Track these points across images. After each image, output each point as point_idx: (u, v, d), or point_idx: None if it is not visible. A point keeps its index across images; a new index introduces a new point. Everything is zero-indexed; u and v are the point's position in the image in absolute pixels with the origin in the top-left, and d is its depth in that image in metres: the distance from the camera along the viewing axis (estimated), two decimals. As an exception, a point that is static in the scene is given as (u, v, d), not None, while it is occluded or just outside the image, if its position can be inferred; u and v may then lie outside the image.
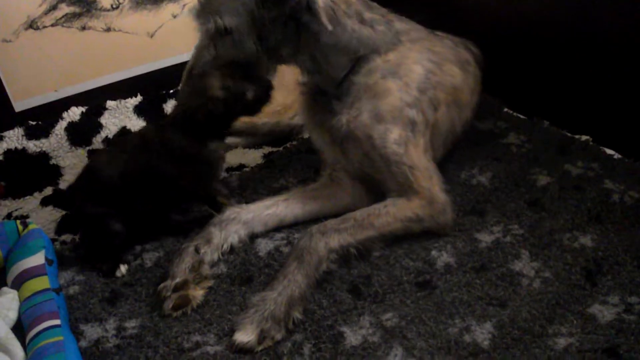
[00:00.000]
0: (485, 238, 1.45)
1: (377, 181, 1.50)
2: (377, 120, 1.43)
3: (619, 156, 1.71)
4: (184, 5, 2.26)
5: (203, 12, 1.42)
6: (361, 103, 1.45)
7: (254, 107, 1.55)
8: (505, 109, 2.01)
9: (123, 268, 1.46)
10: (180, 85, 1.56)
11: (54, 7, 2.04)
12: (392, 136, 1.42)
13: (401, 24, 1.53)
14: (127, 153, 1.51)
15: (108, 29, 2.16)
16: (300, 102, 1.66)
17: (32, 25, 2.02)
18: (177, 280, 1.34)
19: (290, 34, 1.42)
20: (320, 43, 1.43)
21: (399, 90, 1.44)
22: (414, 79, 1.46)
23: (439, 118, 1.54)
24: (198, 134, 1.49)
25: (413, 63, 1.48)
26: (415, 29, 1.56)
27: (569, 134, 1.83)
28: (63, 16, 2.07)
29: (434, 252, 1.42)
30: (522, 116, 1.97)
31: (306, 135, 2.01)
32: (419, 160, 1.44)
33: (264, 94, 1.53)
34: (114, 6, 2.14)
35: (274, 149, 1.97)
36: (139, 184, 1.48)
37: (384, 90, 1.44)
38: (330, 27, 1.35)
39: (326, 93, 1.53)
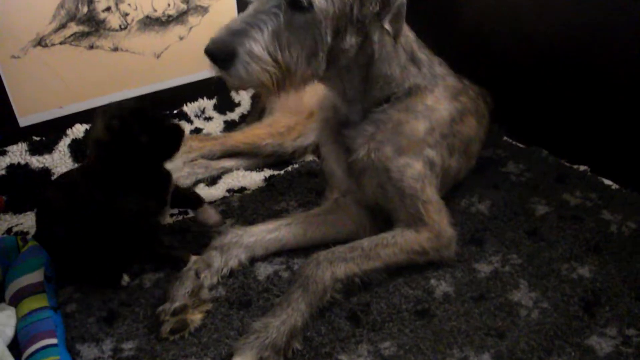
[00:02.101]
0: (484, 268, 1.46)
1: (387, 211, 1.51)
2: (399, 154, 1.45)
3: (617, 186, 1.72)
4: (190, 28, 2.30)
5: None
6: (384, 135, 1.45)
7: (162, 154, 1.39)
8: (505, 137, 2.03)
9: (126, 277, 1.47)
10: None
11: (63, 26, 2.07)
12: (411, 171, 1.44)
13: (440, 68, 1.58)
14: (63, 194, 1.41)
15: (115, 49, 2.19)
16: (320, 130, 1.63)
17: (40, 42, 2.04)
18: (176, 304, 1.33)
19: (357, 44, 1.34)
20: (373, 67, 1.41)
21: (425, 132, 1.48)
22: (441, 124, 1.51)
23: (452, 164, 1.59)
24: (104, 184, 1.37)
25: (444, 110, 1.53)
26: (449, 74, 1.62)
27: (567, 164, 1.85)
28: (72, 35, 2.09)
29: (432, 281, 1.42)
30: (521, 145, 1.99)
31: (308, 158, 2.02)
32: (433, 196, 1.47)
33: (172, 139, 1.37)
34: (122, 26, 2.17)
35: (275, 172, 1.98)
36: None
37: (412, 129, 1.47)
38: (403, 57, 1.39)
39: (348, 124, 1.52)
